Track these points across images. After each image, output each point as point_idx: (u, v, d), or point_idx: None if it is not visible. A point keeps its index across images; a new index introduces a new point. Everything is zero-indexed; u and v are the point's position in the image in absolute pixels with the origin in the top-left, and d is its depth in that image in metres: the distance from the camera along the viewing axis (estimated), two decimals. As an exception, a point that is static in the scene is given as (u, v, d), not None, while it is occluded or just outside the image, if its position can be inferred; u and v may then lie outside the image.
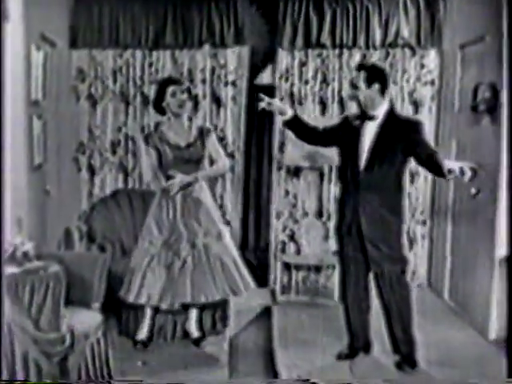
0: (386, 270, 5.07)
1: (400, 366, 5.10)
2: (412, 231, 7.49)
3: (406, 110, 7.29)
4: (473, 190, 6.14)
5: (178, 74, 7.31)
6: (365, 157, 5.03)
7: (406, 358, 5.12)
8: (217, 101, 7.42)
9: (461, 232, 6.62)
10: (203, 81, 7.36)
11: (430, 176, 7.30)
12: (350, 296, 5.29)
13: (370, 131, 5.05)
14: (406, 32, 7.20)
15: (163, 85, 5.55)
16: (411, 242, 7.49)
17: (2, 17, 4.08)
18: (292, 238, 7.42)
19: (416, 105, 7.35)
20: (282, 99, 7.19)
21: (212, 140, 5.60)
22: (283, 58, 7.35)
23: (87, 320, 4.58)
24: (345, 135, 5.21)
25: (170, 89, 5.44)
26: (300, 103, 7.35)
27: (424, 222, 7.51)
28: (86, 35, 7.25)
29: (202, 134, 5.59)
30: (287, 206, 7.39)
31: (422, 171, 7.28)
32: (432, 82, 7.33)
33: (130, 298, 5.43)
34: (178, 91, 5.43)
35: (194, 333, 5.64)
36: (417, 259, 7.53)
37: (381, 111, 5.07)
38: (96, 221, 6.68)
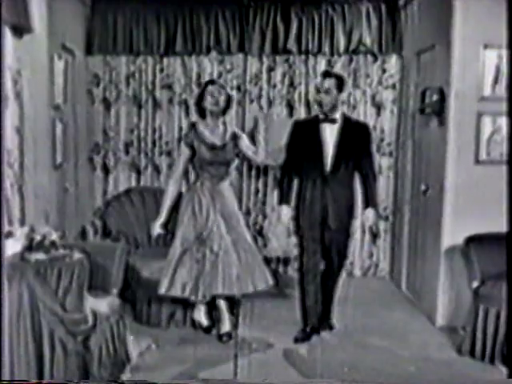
0: (333, 257, 5.73)
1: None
2: (375, 226, 7.74)
3: (368, 112, 7.60)
4: (422, 187, 6.44)
5: (187, 78, 7.56)
6: (330, 158, 5.50)
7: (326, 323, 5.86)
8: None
9: (417, 226, 6.85)
10: None
11: (392, 174, 7.64)
12: (307, 286, 5.74)
13: (330, 134, 5.52)
14: (368, 39, 7.45)
15: (205, 85, 5.82)
16: (375, 236, 7.80)
17: (1, 22, 4.22)
18: (260, 232, 7.68)
19: (378, 107, 7.62)
20: (252, 101, 7.60)
21: (244, 140, 5.78)
22: (252, 63, 7.60)
23: (107, 303, 4.84)
24: (306, 136, 5.61)
25: (209, 88, 5.69)
26: (268, 106, 7.61)
27: (387, 218, 7.77)
28: (101, 43, 7.45)
29: (235, 137, 5.76)
30: (258, 203, 7.65)
31: (384, 169, 7.62)
32: (393, 86, 7.57)
33: (162, 291, 5.59)
34: (216, 91, 5.66)
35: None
36: (379, 253, 7.83)
37: (338, 115, 5.56)
38: (111, 217, 6.89)
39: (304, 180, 5.65)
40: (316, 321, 5.80)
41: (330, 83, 5.55)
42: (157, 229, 5.75)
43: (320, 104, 5.58)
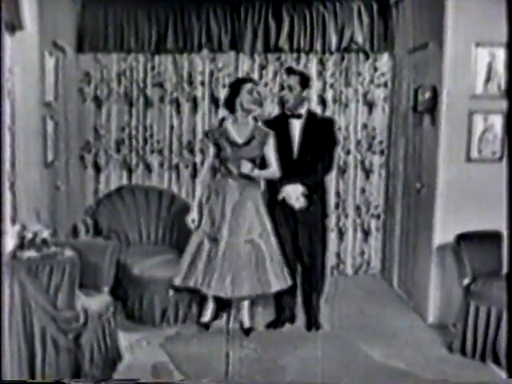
0: (311, 254, 5.82)
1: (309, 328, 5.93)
2: (367, 224, 7.81)
3: (360, 110, 7.66)
4: (417, 185, 6.45)
5: (178, 76, 7.58)
6: (296, 150, 5.70)
7: (314, 322, 5.93)
8: (215, 102, 7.63)
9: (409, 224, 6.88)
10: (202, 83, 7.60)
11: (383, 172, 7.69)
12: None
13: (296, 128, 5.72)
14: (360, 37, 7.47)
15: (239, 82, 5.79)
16: (366, 234, 7.83)
17: (1, 22, 4.26)
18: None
19: (370, 105, 7.66)
20: None
21: (270, 144, 5.67)
22: (244, 61, 7.62)
23: (98, 301, 4.87)
24: (275, 132, 5.72)
25: (248, 86, 5.64)
26: (260, 104, 7.67)
27: (378, 216, 7.81)
28: (92, 40, 7.44)
29: (262, 134, 5.68)
30: None
31: (376, 167, 7.68)
32: (385, 84, 7.60)
33: (178, 282, 5.66)
34: (255, 89, 5.67)
35: (246, 323, 5.84)
36: (371, 251, 7.86)
37: (303, 111, 5.76)
38: (102, 215, 6.87)
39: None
40: (290, 314, 6.03)
41: (293, 80, 5.73)
42: (189, 223, 5.78)
43: (284, 100, 5.80)
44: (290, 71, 5.91)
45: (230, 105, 5.72)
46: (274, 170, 5.71)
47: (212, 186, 5.79)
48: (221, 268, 5.52)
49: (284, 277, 5.67)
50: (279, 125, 5.82)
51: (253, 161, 5.64)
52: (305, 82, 5.81)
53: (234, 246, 5.56)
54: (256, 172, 5.64)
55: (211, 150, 5.75)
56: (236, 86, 5.71)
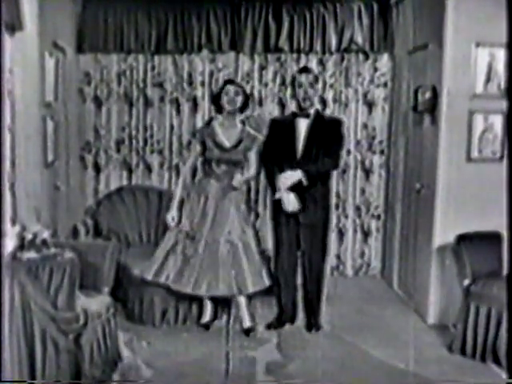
0: (312, 255, 5.80)
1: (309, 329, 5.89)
2: (367, 225, 7.80)
3: (360, 110, 7.66)
4: (417, 186, 6.45)
5: (178, 77, 7.58)
6: (301, 149, 5.67)
7: (314, 323, 5.91)
8: (215, 102, 7.72)
9: (409, 225, 6.87)
10: (202, 83, 7.60)
11: (383, 172, 7.67)
12: (282, 277, 5.91)
13: (302, 127, 5.71)
14: (360, 38, 7.47)
15: (224, 84, 5.88)
16: (366, 235, 7.82)
17: (1, 22, 4.26)
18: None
19: (370, 106, 7.65)
20: None
21: (255, 149, 5.82)
22: (244, 61, 7.62)
23: (98, 302, 4.87)
24: (282, 131, 5.80)
25: (227, 87, 5.76)
26: (260, 104, 7.63)
27: (378, 217, 7.80)
28: (92, 41, 7.44)
29: (250, 139, 5.82)
30: (250, 202, 7.53)
31: (376, 168, 7.66)
32: (385, 84, 7.60)
33: (149, 277, 5.76)
34: (233, 91, 5.73)
35: (246, 323, 5.84)
36: (371, 251, 7.84)
37: (312, 111, 5.77)
38: (102, 215, 6.90)
39: (281, 169, 5.74)
40: (291, 314, 6.02)
41: (311, 77, 5.78)
42: (169, 220, 5.88)
43: (303, 98, 5.76)
44: (306, 70, 5.96)
45: (218, 106, 5.86)
46: (253, 171, 5.89)
47: (194, 184, 5.94)
48: (198, 267, 5.65)
49: (261, 278, 5.76)
50: (285, 123, 5.87)
51: (236, 163, 5.79)
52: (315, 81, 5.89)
53: (213, 246, 5.69)
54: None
55: (197, 149, 5.86)
56: (222, 87, 5.87)
